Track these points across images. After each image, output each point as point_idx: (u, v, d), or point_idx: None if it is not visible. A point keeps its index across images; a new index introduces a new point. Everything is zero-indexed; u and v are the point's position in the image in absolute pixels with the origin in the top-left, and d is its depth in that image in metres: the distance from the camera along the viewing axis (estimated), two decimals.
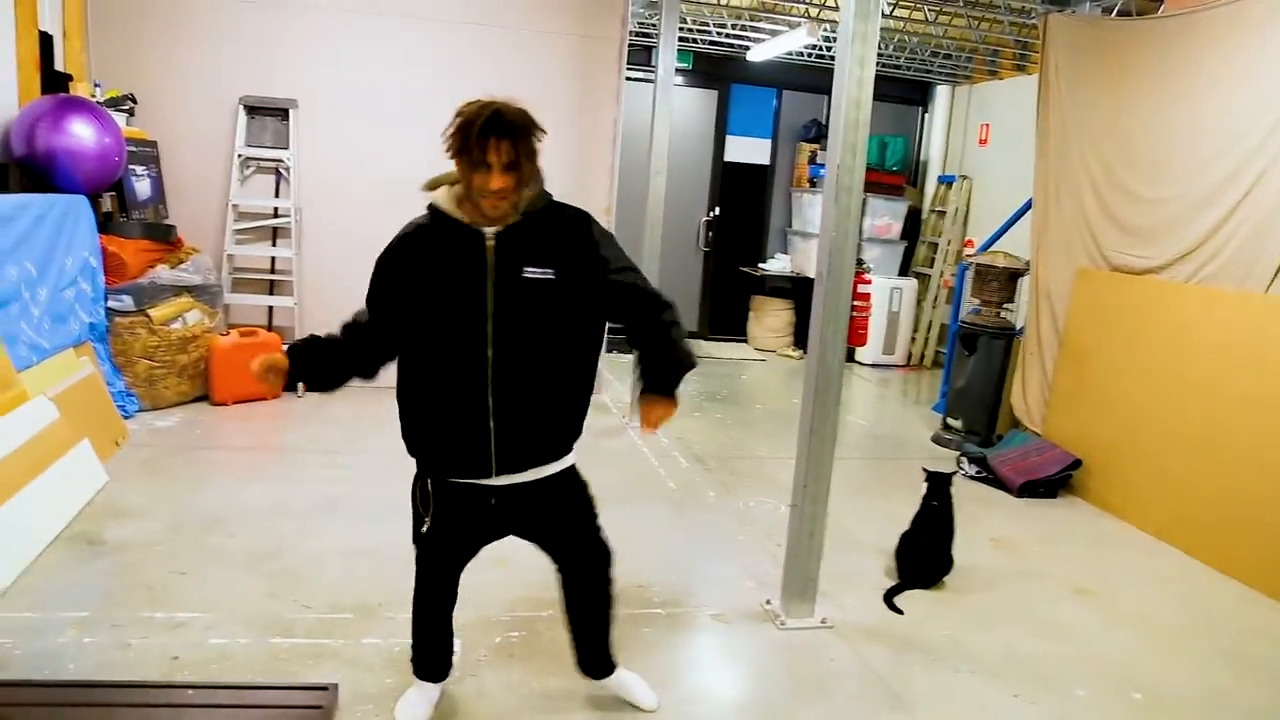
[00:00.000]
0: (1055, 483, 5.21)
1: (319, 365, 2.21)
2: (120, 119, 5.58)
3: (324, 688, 1.78)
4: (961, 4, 6.62)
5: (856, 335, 7.97)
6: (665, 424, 2.21)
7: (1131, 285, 5.14)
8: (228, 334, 5.86)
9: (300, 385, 2.20)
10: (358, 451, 4.99)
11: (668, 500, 4.73)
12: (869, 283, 8.29)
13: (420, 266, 2.14)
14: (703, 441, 5.83)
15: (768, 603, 3.60)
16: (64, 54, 5.71)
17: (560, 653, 2.88)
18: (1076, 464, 5.21)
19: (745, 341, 9.68)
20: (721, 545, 4.25)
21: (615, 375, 7.31)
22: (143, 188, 5.79)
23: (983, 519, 4.79)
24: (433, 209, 2.17)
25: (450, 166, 2.14)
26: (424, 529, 2.36)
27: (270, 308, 6.46)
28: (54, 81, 5.40)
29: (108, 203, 5.49)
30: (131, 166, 5.66)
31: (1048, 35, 5.84)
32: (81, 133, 5.04)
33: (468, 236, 2.11)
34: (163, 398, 5.53)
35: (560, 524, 2.44)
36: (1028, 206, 6.35)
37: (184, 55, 6.07)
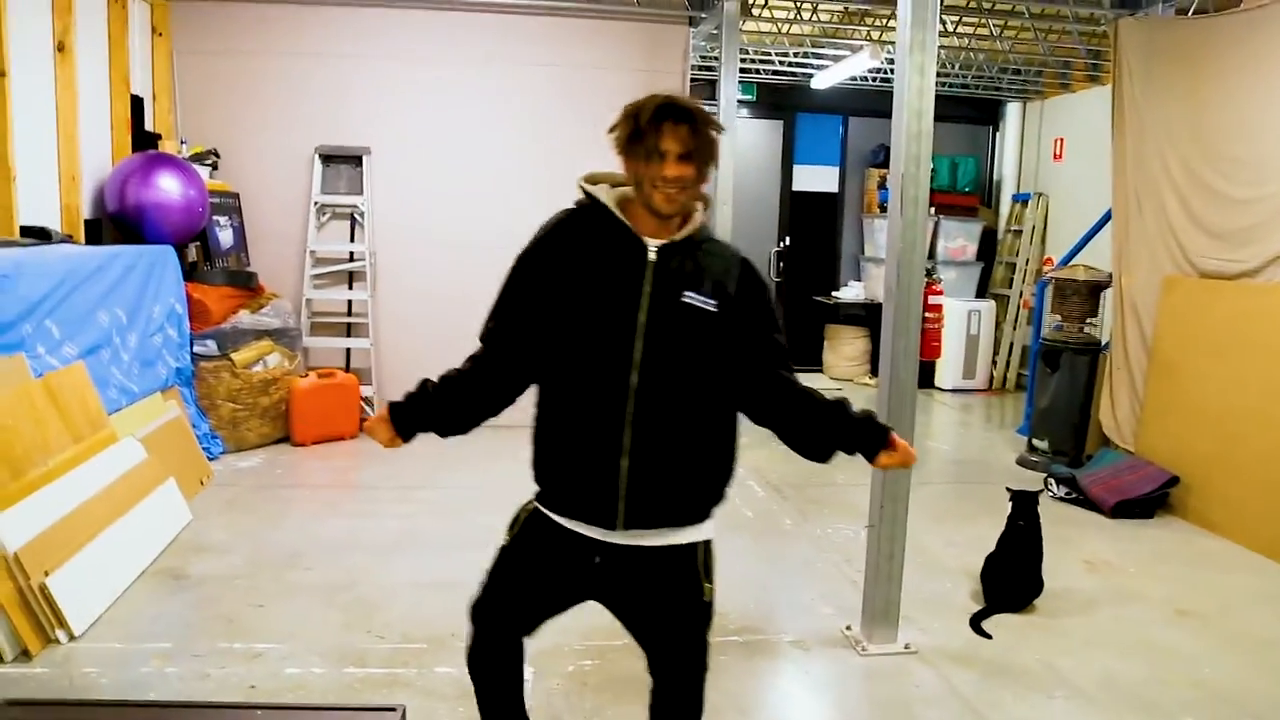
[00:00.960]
0: (1151, 501, 4.95)
1: (438, 406, 1.94)
2: (204, 173, 5.83)
3: (391, 709, 1.76)
4: (1027, 16, 6.48)
5: (929, 348, 7.79)
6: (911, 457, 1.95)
7: (1223, 291, 4.90)
8: (307, 376, 6.01)
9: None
10: (433, 487, 5.04)
11: (744, 528, 4.64)
12: (940, 294, 8.12)
13: (570, 262, 1.87)
14: (779, 470, 5.73)
15: (848, 628, 3.49)
16: (153, 115, 6.01)
17: (635, 681, 2.83)
18: (1173, 481, 4.95)
19: (821, 371, 9.54)
20: (799, 572, 4.14)
21: None
22: (225, 237, 6.03)
23: (1074, 541, 4.58)
24: (593, 201, 1.92)
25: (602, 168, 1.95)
26: (501, 552, 2.01)
27: (348, 350, 6.62)
28: (144, 140, 5.69)
29: (193, 252, 5.72)
30: (215, 217, 5.90)
31: (1119, 41, 5.67)
32: (168, 187, 5.28)
33: (628, 242, 1.87)
34: (245, 439, 5.69)
35: (671, 618, 1.98)
36: (1107, 218, 6.14)
37: (263, 110, 6.33)
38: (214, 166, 6.11)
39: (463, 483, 5.08)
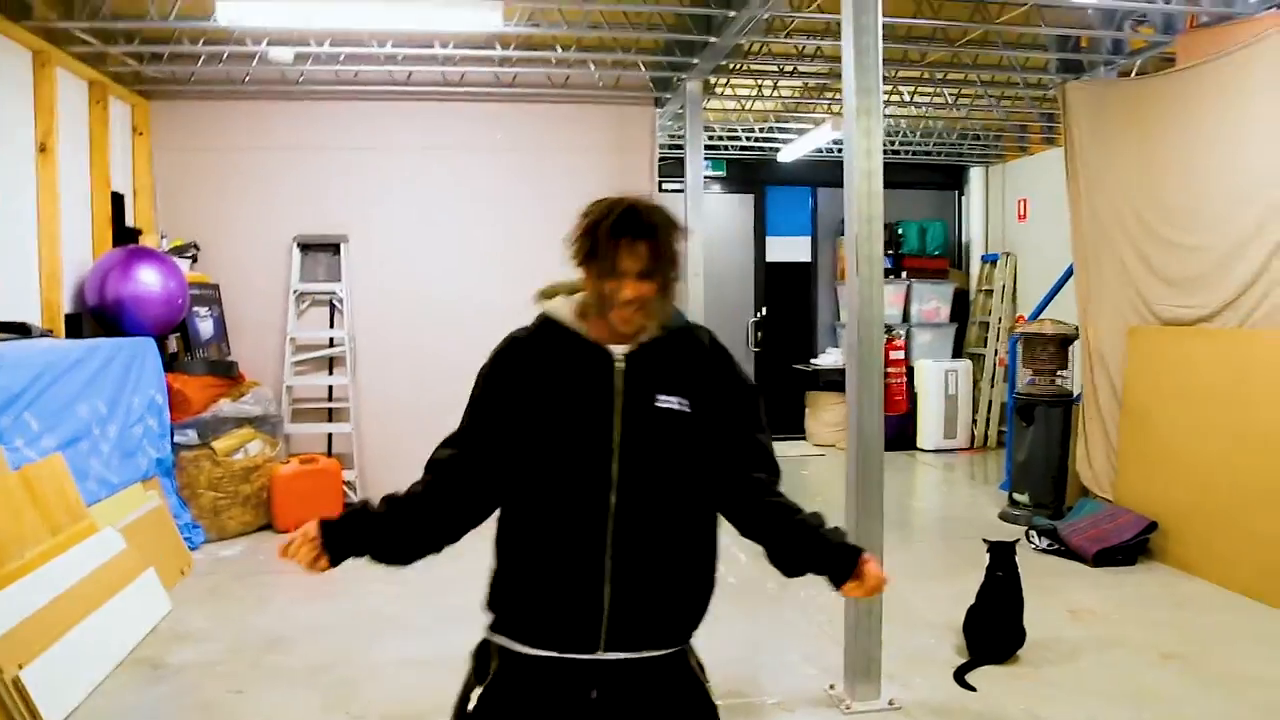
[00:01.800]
0: (1131, 548, 4.98)
1: (379, 529, 1.73)
2: (184, 265, 5.93)
3: None
4: (979, 83, 6.75)
5: (894, 403, 7.93)
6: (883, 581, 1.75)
7: (1184, 337, 5.02)
8: (288, 462, 6.02)
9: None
10: (413, 567, 5.01)
11: (728, 594, 4.58)
12: (900, 348, 8.35)
13: (533, 382, 1.73)
14: None
15: (831, 687, 3.47)
16: (134, 210, 6.15)
17: None
18: (1152, 527, 4.98)
19: (804, 438, 9.58)
20: (783, 634, 4.13)
21: None
22: (206, 327, 6.10)
23: (1057, 590, 4.59)
24: (547, 320, 1.79)
25: (562, 275, 1.81)
26: (469, 707, 1.75)
27: (329, 435, 6.64)
28: (125, 236, 5.80)
29: (173, 343, 5.79)
30: (195, 308, 5.98)
31: (1067, 103, 5.91)
32: (148, 280, 5.37)
33: (592, 355, 1.73)
34: (227, 528, 5.67)
35: None
36: (1070, 273, 6.29)
37: (241, 203, 6.48)
38: (194, 259, 6.22)
39: (443, 562, 5.06)
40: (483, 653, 1.77)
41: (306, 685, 3.52)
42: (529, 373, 1.74)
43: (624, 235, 1.64)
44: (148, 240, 5.93)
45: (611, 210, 1.66)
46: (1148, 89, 5.37)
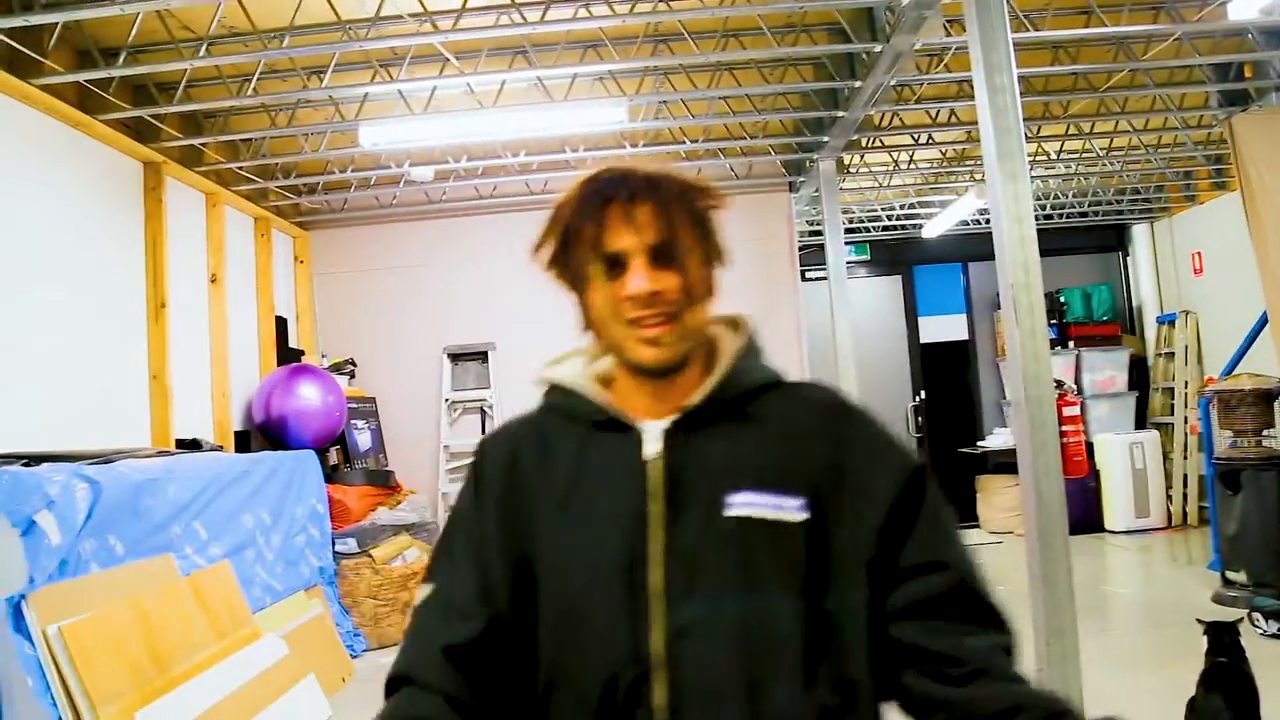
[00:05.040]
0: None
1: None
2: (343, 381, 6.21)
3: None
4: (1132, 130, 6.36)
5: (1073, 464, 7.31)
6: None
7: None
8: None
9: None
10: None
11: None
12: (1073, 404, 7.75)
13: (525, 499, 1.09)
14: None
15: None
16: (297, 332, 6.53)
17: None
18: None
19: (977, 526, 8.94)
20: None
21: None
22: (364, 439, 6.32)
23: None
24: (555, 393, 1.15)
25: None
26: None
27: None
28: (288, 356, 6.15)
29: (334, 455, 6.01)
30: (353, 421, 6.22)
31: (1237, 139, 5.45)
32: (308, 395, 5.64)
33: (611, 435, 1.08)
34: (388, 635, 5.70)
35: None
36: (1263, 322, 5.69)
37: (394, 319, 6.79)
38: (351, 375, 6.51)
39: None
40: None
41: None
42: (522, 477, 1.09)
43: (612, 199, 1.03)
44: (309, 359, 6.27)
45: (592, 178, 1.07)
46: None
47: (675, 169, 1.10)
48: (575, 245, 1.05)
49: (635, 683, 0.97)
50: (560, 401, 1.13)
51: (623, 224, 1.03)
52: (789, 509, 1.00)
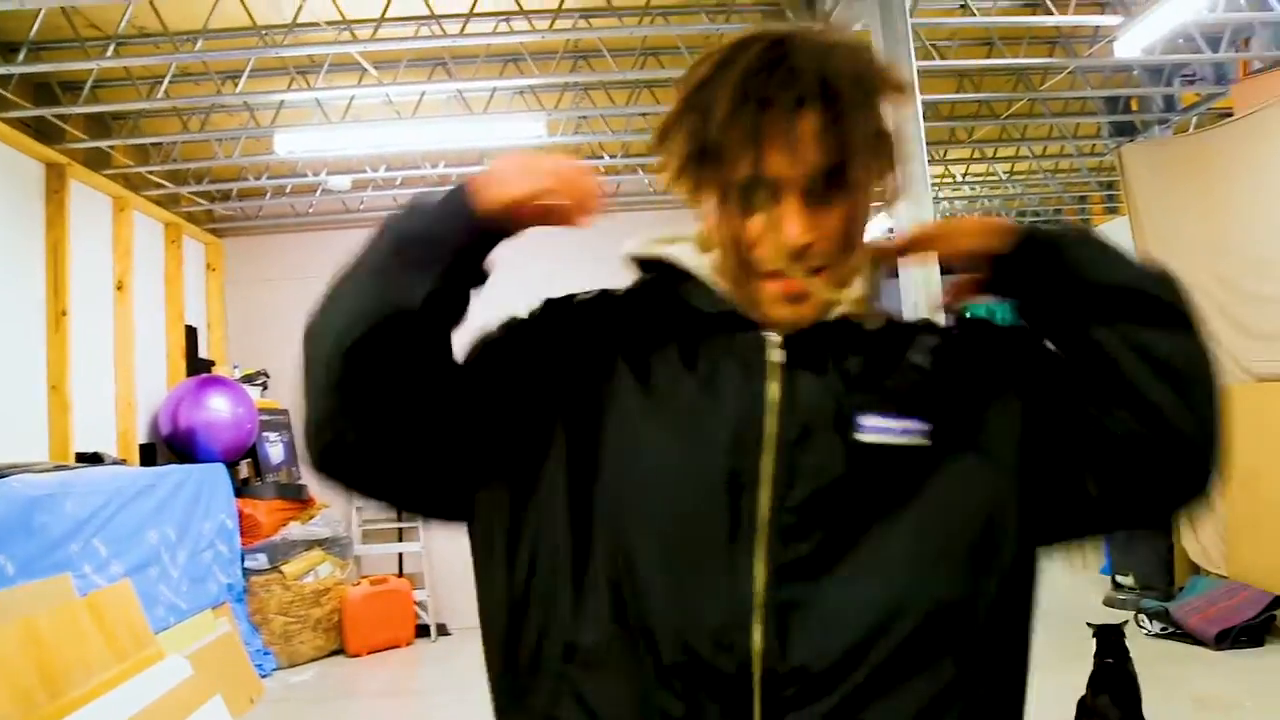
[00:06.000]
0: (1256, 628, 4.54)
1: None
2: (255, 393, 6.06)
3: None
4: (1031, 156, 6.67)
5: None
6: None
7: None
8: (359, 584, 5.96)
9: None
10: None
11: None
12: None
13: (593, 380, 0.87)
14: None
15: None
16: (208, 342, 6.36)
17: None
18: (1276, 603, 4.56)
19: None
20: None
21: None
22: (275, 452, 6.18)
23: (1179, 678, 4.18)
24: (660, 272, 0.92)
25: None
26: None
27: (400, 555, 6.58)
28: (198, 367, 5.98)
29: (244, 469, 5.86)
30: (265, 434, 6.08)
31: (1125, 168, 5.77)
32: (218, 407, 5.49)
33: (729, 336, 0.86)
34: (299, 653, 5.58)
35: None
36: None
37: None
38: (264, 386, 6.36)
39: None
40: None
41: None
42: (598, 358, 0.87)
43: (770, 103, 0.77)
44: (220, 370, 6.11)
45: (744, 49, 0.80)
46: (1209, 143, 5.22)
47: (856, 43, 0.84)
48: (718, 154, 0.79)
49: (724, 629, 0.78)
50: (667, 284, 0.89)
51: (780, 142, 0.77)
52: (915, 432, 0.83)
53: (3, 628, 3.23)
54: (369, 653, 5.78)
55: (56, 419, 4.55)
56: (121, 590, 4.03)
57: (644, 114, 5.48)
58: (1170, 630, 4.78)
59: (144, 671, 3.84)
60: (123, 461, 4.91)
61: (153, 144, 5.26)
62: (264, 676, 5.18)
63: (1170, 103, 5.66)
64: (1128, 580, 5.58)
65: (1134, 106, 5.84)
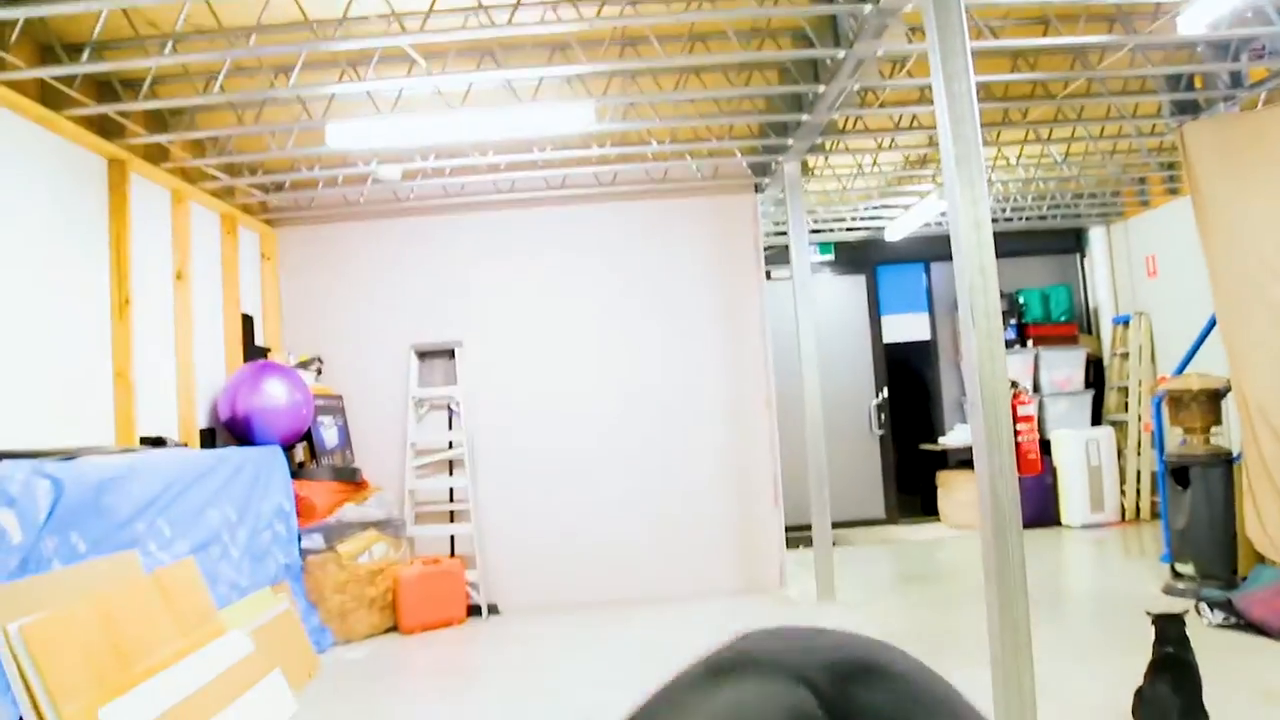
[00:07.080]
0: None
1: None
2: (309, 378, 6.19)
3: None
4: (1088, 138, 6.51)
5: (1026, 463, 7.51)
6: None
7: None
8: (412, 564, 6.07)
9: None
10: (541, 669, 4.91)
11: None
12: (1026, 403, 7.97)
13: None
14: (902, 621, 5.38)
15: None
16: (263, 330, 6.50)
17: None
18: None
19: (938, 520, 9.10)
20: None
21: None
22: (330, 436, 6.31)
23: (1243, 670, 4.08)
24: None
25: None
26: None
27: (451, 536, 6.68)
28: (254, 353, 6.12)
29: (300, 452, 5.99)
30: (320, 418, 6.21)
31: (1187, 147, 5.60)
32: (275, 393, 5.62)
33: None
34: (354, 631, 5.71)
35: None
36: (1213, 324, 5.86)
37: (361, 317, 6.77)
38: (318, 372, 6.49)
39: (572, 665, 4.95)
40: None
41: None
42: None
43: None
44: (276, 357, 6.24)
45: None
46: (1272, 118, 5.05)
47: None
48: None
49: None
50: None
51: None
52: None
53: (77, 602, 3.36)
54: (422, 630, 5.90)
55: (122, 404, 4.70)
56: (186, 567, 4.17)
57: (692, 100, 5.46)
58: (1233, 620, 4.67)
59: (207, 646, 3.97)
60: (184, 445, 5.06)
61: (209, 138, 5.38)
62: (321, 652, 5.31)
63: (1237, 79, 5.47)
64: (1188, 569, 5.46)
65: (1198, 84, 5.66)
